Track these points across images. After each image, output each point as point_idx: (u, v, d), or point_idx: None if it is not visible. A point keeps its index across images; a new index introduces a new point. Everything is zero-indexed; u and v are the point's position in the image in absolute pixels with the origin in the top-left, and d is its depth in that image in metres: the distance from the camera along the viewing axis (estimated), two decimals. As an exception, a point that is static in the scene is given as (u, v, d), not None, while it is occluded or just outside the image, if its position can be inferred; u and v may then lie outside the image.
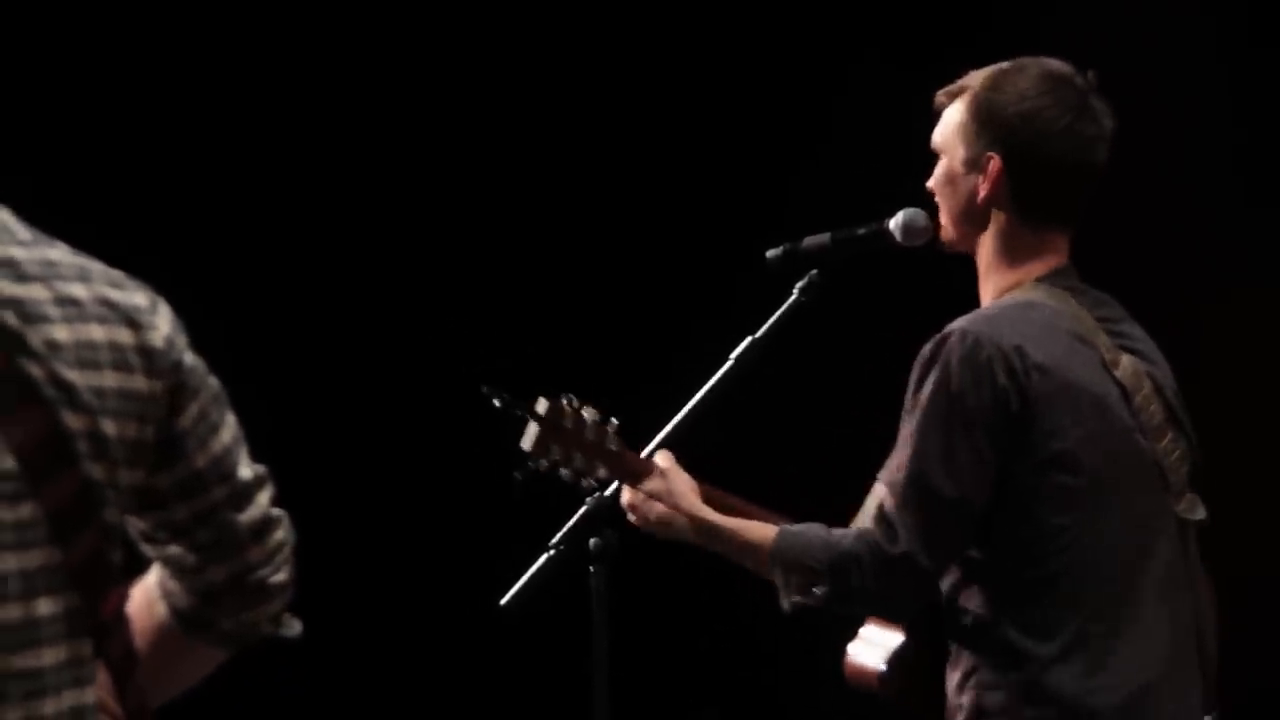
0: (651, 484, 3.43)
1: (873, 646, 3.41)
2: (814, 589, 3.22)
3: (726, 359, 3.59)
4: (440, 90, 5.83)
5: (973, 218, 3.30)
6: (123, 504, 1.96)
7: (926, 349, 3.18)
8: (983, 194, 3.27)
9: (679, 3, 5.86)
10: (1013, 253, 3.28)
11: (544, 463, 3.45)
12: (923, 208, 3.45)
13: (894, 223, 3.51)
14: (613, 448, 3.46)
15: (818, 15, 5.78)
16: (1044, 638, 3.13)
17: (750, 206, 5.64)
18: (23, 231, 1.96)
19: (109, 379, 1.94)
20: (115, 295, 1.97)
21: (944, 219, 3.35)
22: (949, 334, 3.17)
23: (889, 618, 3.39)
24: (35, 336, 1.90)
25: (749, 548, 3.33)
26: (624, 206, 5.84)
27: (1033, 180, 3.25)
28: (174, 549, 2.06)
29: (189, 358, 2.02)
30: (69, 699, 1.91)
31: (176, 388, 2.00)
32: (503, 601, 3.55)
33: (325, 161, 5.75)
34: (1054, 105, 3.24)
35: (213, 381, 2.05)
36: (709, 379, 3.59)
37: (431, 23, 5.80)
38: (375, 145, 5.80)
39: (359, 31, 5.78)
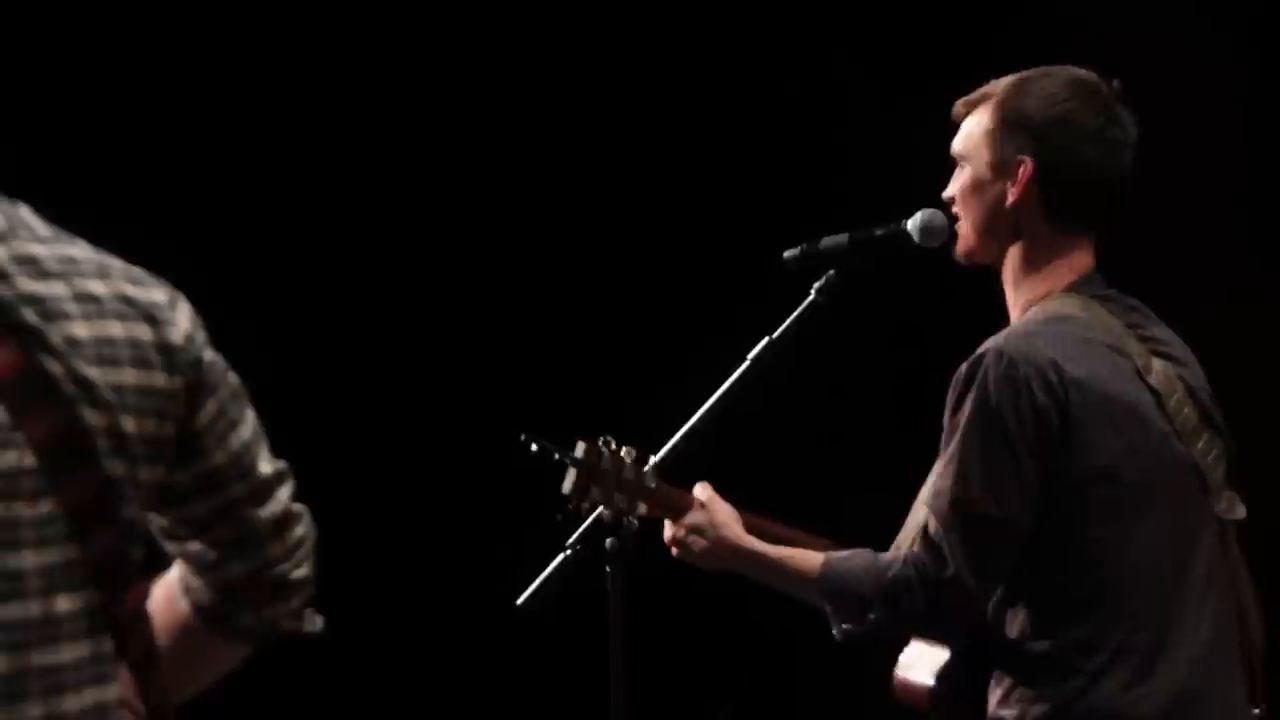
0: (694, 518, 3.43)
1: (921, 663, 3.39)
2: (867, 615, 3.22)
3: (743, 359, 3.59)
4: (463, 98, 5.83)
5: (999, 224, 3.28)
6: (143, 500, 1.96)
7: (963, 369, 3.17)
8: (1012, 198, 3.25)
9: (696, 7, 5.85)
10: (1041, 260, 3.27)
11: (585, 506, 3.46)
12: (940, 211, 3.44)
13: (912, 223, 3.50)
14: (651, 485, 3.46)
15: (840, 16, 5.78)
16: (1089, 652, 3.12)
17: (768, 207, 5.64)
18: (43, 228, 1.96)
19: (128, 376, 1.94)
20: (134, 292, 1.97)
21: (965, 229, 3.32)
22: (984, 353, 3.16)
23: (940, 640, 3.38)
24: (55, 333, 1.90)
25: (797, 578, 3.32)
26: (642, 208, 5.84)
27: (1064, 184, 3.24)
28: (194, 545, 2.07)
29: (208, 354, 2.02)
30: (90, 696, 1.91)
31: (196, 384, 2.00)
32: (519, 601, 3.55)
33: (345, 165, 5.75)
34: (1085, 109, 3.24)
35: (232, 378, 2.05)
36: (726, 379, 3.59)
37: (455, 38, 5.81)
38: (397, 151, 5.81)
39: (393, 45, 5.79)
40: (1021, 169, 3.24)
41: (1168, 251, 5.13)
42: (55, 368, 1.89)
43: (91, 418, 1.90)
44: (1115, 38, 5.19)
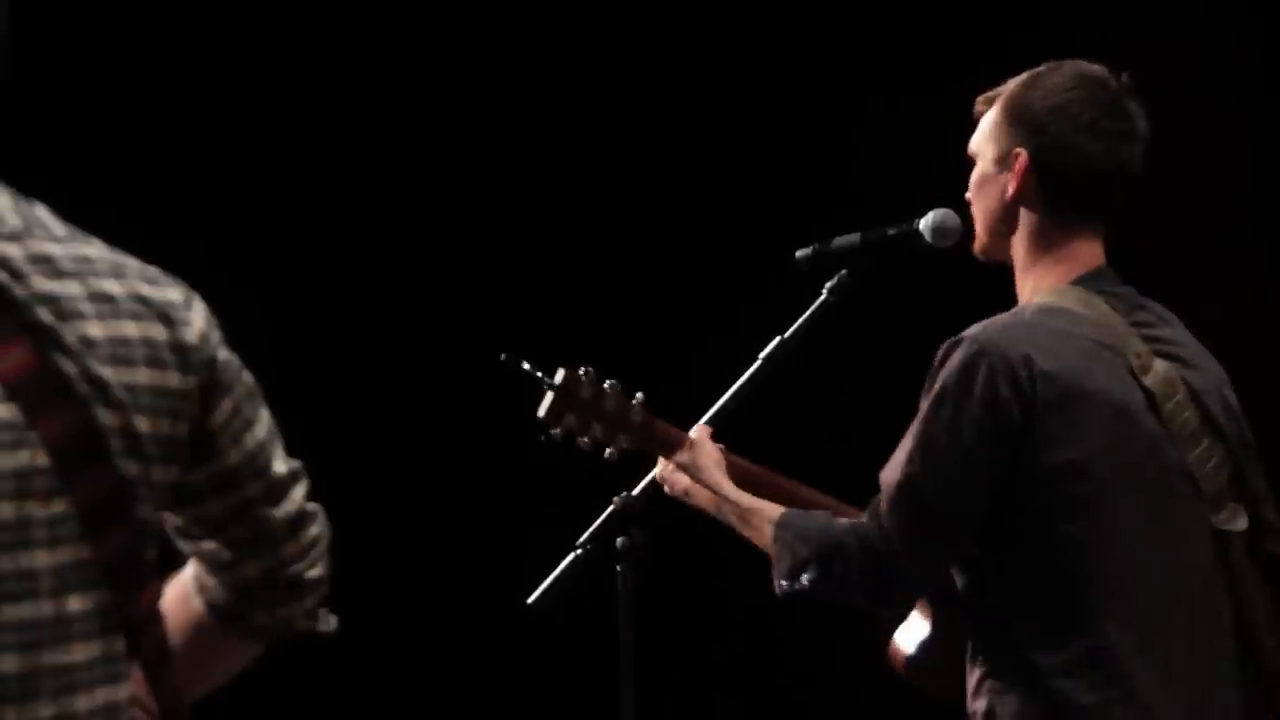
0: (681, 456, 3.48)
1: (911, 633, 3.41)
2: (803, 576, 3.24)
3: (755, 358, 3.59)
4: (478, 90, 5.84)
5: (1002, 217, 3.27)
6: (157, 500, 1.96)
7: (939, 352, 3.18)
8: (1011, 190, 3.25)
9: (709, 5, 5.85)
10: (1045, 253, 3.25)
11: (558, 431, 3.48)
12: (957, 212, 3.44)
13: (924, 223, 3.50)
14: (636, 419, 3.49)
15: (853, 14, 5.77)
16: (1054, 648, 3.09)
17: (781, 206, 5.63)
18: (58, 228, 1.96)
19: (142, 375, 1.93)
20: (149, 291, 1.97)
21: (977, 224, 3.32)
22: (958, 341, 3.16)
23: (876, 611, 3.40)
24: (70, 333, 1.90)
25: (756, 528, 3.35)
26: (655, 207, 5.84)
27: (1059, 175, 3.23)
28: (209, 544, 2.07)
29: (223, 354, 2.02)
30: (102, 695, 1.91)
31: (210, 384, 1.99)
32: (530, 600, 3.55)
33: (363, 161, 5.76)
34: (1081, 101, 3.22)
35: (247, 377, 2.05)
36: (738, 378, 3.59)
37: (468, 28, 5.81)
38: (407, 142, 5.81)
39: (394, 32, 5.79)
40: (1019, 160, 3.23)
41: (1180, 248, 5.13)
42: (69, 367, 1.89)
43: (105, 417, 1.90)
44: (1131, 36, 5.19)
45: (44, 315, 1.89)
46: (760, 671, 6.00)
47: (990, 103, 3.31)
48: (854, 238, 3.58)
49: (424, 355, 5.79)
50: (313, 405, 5.04)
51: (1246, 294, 5.37)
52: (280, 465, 2.07)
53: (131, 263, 1.98)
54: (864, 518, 3.20)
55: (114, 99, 5.45)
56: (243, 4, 5.65)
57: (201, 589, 2.09)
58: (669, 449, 3.50)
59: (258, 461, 2.04)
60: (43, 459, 1.87)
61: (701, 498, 3.46)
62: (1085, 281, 3.23)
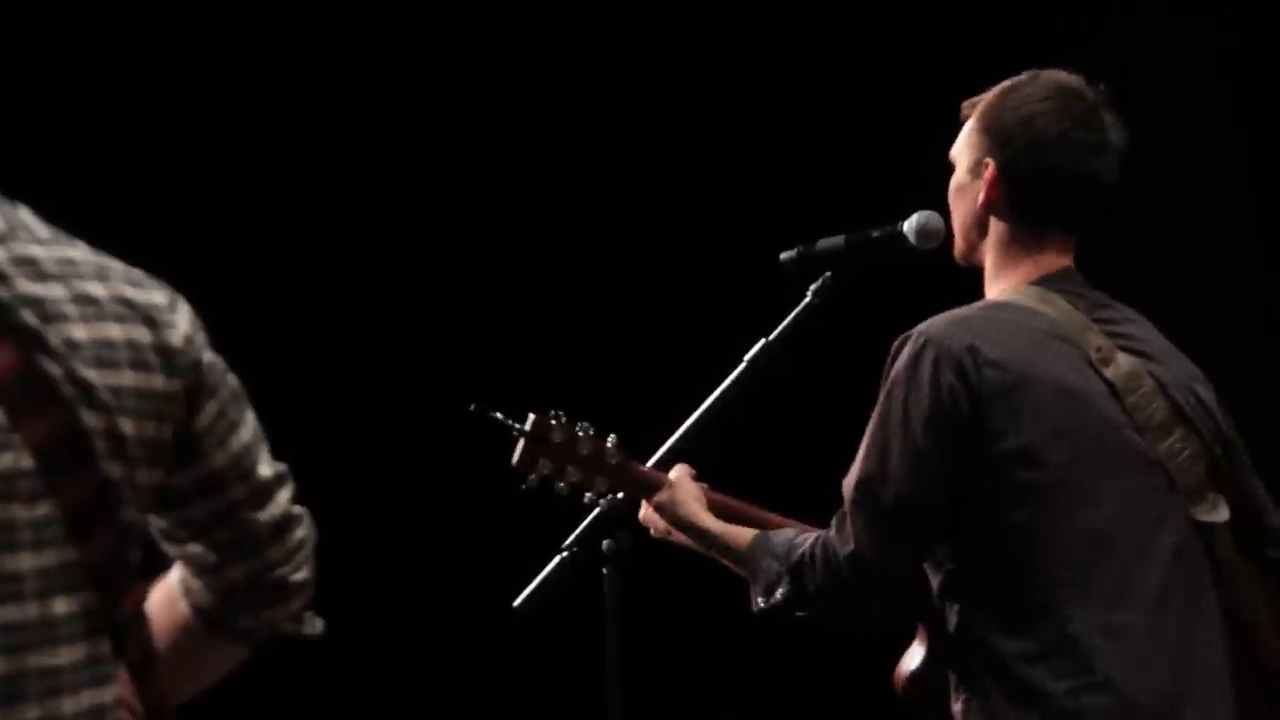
0: (659, 496, 3.49)
1: (911, 655, 3.41)
2: (777, 590, 3.26)
3: (740, 361, 3.60)
4: (454, 100, 5.83)
5: (976, 225, 3.31)
6: (142, 503, 1.96)
7: (891, 351, 3.20)
8: (981, 200, 3.28)
9: (693, 9, 5.85)
10: (1012, 259, 3.28)
11: (534, 478, 3.47)
12: (940, 214, 3.45)
13: (908, 225, 3.51)
14: (613, 461, 3.48)
15: (837, 18, 5.78)
16: (1019, 636, 3.09)
17: (765, 208, 5.64)
18: (42, 230, 1.96)
19: (127, 378, 1.93)
20: (134, 294, 1.97)
21: (955, 230, 3.36)
22: (906, 337, 3.18)
23: (849, 619, 3.41)
24: (54, 335, 1.90)
25: (732, 553, 3.39)
26: (639, 209, 5.85)
27: (1026, 186, 3.25)
28: (194, 547, 2.07)
29: (208, 356, 2.02)
30: (87, 698, 1.91)
31: (195, 386, 1.99)
32: (516, 603, 3.55)
33: (347, 170, 5.76)
34: (1053, 113, 3.24)
35: (232, 380, 2.05)
36: (723, 381, 3.59)
37: (453, 34, 5.81)
38: (390, 152, 5.81)
39: (386, 43, 5.79)
40: (988, 171, 3.26)
41: (1172, 252, 5.14)
42: (54, 369, 1.89)
43: (90, 420, 1.90)
44: (1118, 41, 5.20)
45: (28, 318, 1.89)
46: (749, 675, 6.00)
47: (973, 107, 3.32)
48: (838, 240, 3.59)
49: (409, 358, 5.79)
50: (299, 408, 5.03)
51: (1240, 297, 5.38)
52: (265, 468, 2.07)
53: (116, 265, 1.98)
54: (830, 528, 3.21)
55: (97, 103, 5.44)
56: (221, 8, 5.64)
57: (187, 592, 2.09)
58: (648, 491, 3.49)
59: (243, 464, 2.04)
60: (27, 461, 1.87)
61: (682, 536, 3.47)
62: (1045, 282, 3.25)
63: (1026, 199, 3.26)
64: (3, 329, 1.87)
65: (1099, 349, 3.19)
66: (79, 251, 1.96)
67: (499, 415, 3.47)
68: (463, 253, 5.84)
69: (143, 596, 1.99)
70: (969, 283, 3.43)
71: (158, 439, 1.96)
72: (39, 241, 1.94)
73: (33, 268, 1.91)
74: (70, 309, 1.91)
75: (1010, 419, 3.10)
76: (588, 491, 3.51)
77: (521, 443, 3.48)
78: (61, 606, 1.89)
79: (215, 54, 5.61)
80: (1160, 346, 3.29)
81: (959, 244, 3.35)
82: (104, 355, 1.92)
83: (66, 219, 2.00)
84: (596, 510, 3.55)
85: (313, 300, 5.72)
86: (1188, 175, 5.22)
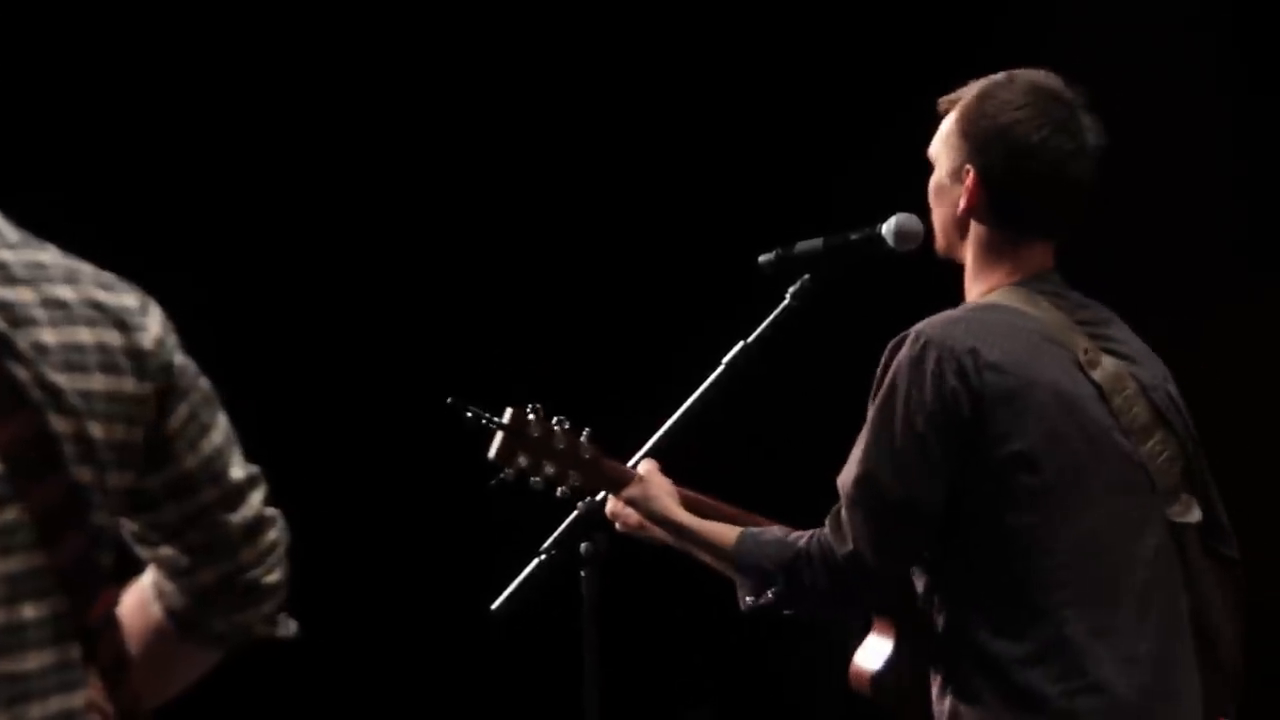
0: (629, 491, 3.48)
1: (873, 652, 3.42)
2: (769, 590, 3.26)
3: (718, 363, 3.60)
4: (438, 98, 5.83)
5: (956, 226, 3.32)
6: (113, 506, 1.96)
7: (885, 352, 3.20)
8: (962, 205, 3.29)
9: (678, 10, 5.85)
10: (992, 261, 3.29)
11: (510, 471, 3.48)
12: (919, 216, 3.45)
13: (886, 227, 3.51)
14: (586, 456, 3.49)
15: (818, 21, 5.78)
16: (1014, 639, 3.11)
17: (744, 211, 5.64)
18: (11, 233, 1.95)
19: (97, 381, 1.93)
20: (104, 297, 1.96)
21: (935, 229, 3.37)
22: (904, 337, 3.19)
23: (843, 617, 3.41)
24: (22, 339, 1.89)
25: (715, 550, 3.37)
26: (619, 212, 5.84)
27: (1007, 193, 3.26)
28: (166, 550, 2.06)
29: (179, 359, 2.01)
30: (56, 703, 1.90)
31: (166, 389, 1.99)
32: (494, 606, 3.55)
33: (323, 167, 5.75)
34: (1032, 119, 3.24)
35: (203, 383, 2.05)
36: (701, 383, 3.59)
37: (445, 33, 5.81)
38: (372, 152, 5.80)
39: (364, 40, 5.78)
40: (969, 176, 3.26)
41: (1159, 253, 5.14)
42: (21, 374, 1.88)
43: (58, 424, 1.89)
44: (1109, 40, 5.20)
45: (-5, 322, 1.88)
46: (727, 675, 6.00)
47: (952, 105, 3.32)
48: (816, 242, 3.59)
49: (387, 358, 5.78)
50: (272, 410, 5.02)
51: (1226, 298, 5.38)
52: (237, 471, 2.07)
53: (86, 269, 1.97)
54: (825, 526, 3.21)
55: (70, 104, 5.43)
56: (204, 11, 5.63)
57: (159, 595, 2.08)
58: (617, 486, 3.49)
59: (214, 467, 2.04)
60: (-5, 466, 1.86)
61: (656, 531, 3.47)
62: (1029, 283, 3.27)
63: (1006, 204, 3.26)
64: (-31, 334, 1.87)
65: (1085, 351, 3.21)
66: (49, 255, 1.96)
67: (475, 409, 3.47)
68: (442, 252, 5.83)
69: (114, 601, 1.98)
70: (947, 285, 3.43)
71: (128, 442, 1.95)
72: (8, 245, 1.93)
73: (1, 272, 1.90)
74: (39, 313, 1.91)
75: (1010, 423, 3.12)
76: (561, 486, 3.51)
77: (499, 436, 3.48)
78: (30, 611, 1.88)
79: (194, 51, 5.60)
80: (1137, 348, 3.31)
81: (939, 241, 3.36)
82: (73, 359, 1.91)
83: (37, 222, 2.00)
84: (575, 513, 3.55)
85: (284, 302, 5.71)
86: (1168, 174, 5.22)
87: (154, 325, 1.99)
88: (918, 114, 3.38)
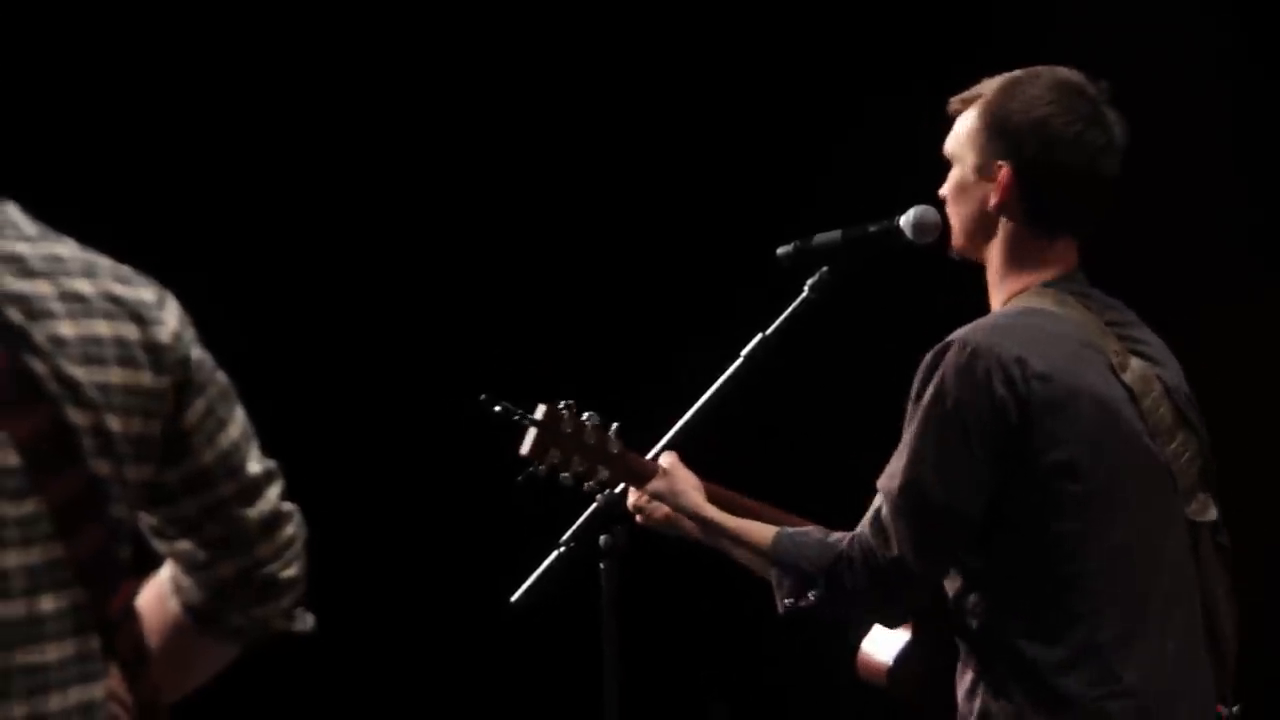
0: (655, 484, 3.48)
1: (884, 643, 3.42)
2: (809, 592, 3.25)
3: (737, 355, 3.60)
4: (449, 94, 5.83)
5: (983, 225, 3.29)
6: (131, 499, 1.96)
7: (927, 358, 3.19)
8: (993, 202, 3.26)
9: (689, 5, 5.85)
10: (1021, 260, 3.28)
11: (543, 467, 3.49)
12: (936, 208, 3.44)
13: (905, 220, 3.51)
14: (614, 450, 3.50)
15: (829, 13, 5.78)
16: (1051, 644, 3.12)
17: (763, 203, 5.63)
18: (29, 227, 1.96)
19: (114, 375, 1.93)
20: (122, 290, 1.96)
21: (954, 227, 3.34)
22: (949, 344, 3.18)
23: (882, 622, 3.43)
24: (40, 332, 1.89)
25: (749, 548, 3.36)
26: (636, 204, 5.84)
27: (1042, 189, 3.25)
28: (184, 544, 2.06)
29: (196, 353, 2.02)
30: (75, 695, 1.91)
31: (183, 383, 1.99)
32: (513, 598, 3.55)
33: (344, 164, 5.75)
34: (1065, 114, 3.23)
35: (221, 377, 2.05)
36: (720, 375, 3.59)
37: (449, 31, 5.81)
38: (392, 148, 5.80)
39: (386, 39, 5.78)
40: (1002, 172, 3.25)
41: (1164, 252, 5.13)
42: (39, 367, 1.89)
43: (76, 417, 1.90)
44: (1111, 35, 5.19)
45: (13, 315, 1.89)
46: (746, 668, 6.00)
47: (966, 103, 3.31)
48: (835, 235, 3.59)
49: (403, 351, 5.78)
50: (289, 404, 5.03)
51: (1235, 296, 5.38)
52: (255, 465, 2.07)
53: (104, 262, 1.98)
54: (863, 527, 3.20)
55: (85, 100, 5.43)
56: (206, 9, 5.64)
57: (177, 589, 2.09)
58: (643, 480, 3.49)
59: (231, 461, 2.04)
60: (13, 459, 1.87)
61: (684, 524, 3.46)
62: (1057, 284, 3.26)
63: (1040, 201, 3.25)
64: (-12, 327, 1.87)
65: (1116, 353, 3.21)
66: (66, 248, 1.96)
67: (508, 405, 3.48)
68: (458, 248, 5.83)
69: (133, 593, 1.98)
70: (966, 278, 3.42)
71: (145, 435, 1.95)
72: (25, 238, 1.94)
73: (19, 265, 1.91)
74: (57, 306, 1.91)
75: (1055, 432, 3.12)
76: (589, 481, 3.52)
77: (533, 432, 3.50)
78: (49, 603, 1.89)
79: (204, 49, 5.61)
80: (1158, 348, 3.31)
81: (959, 240, 3.33)
82: (91, 352, 1.92)
83: (54, 216, 2.00)
84: (594, 505, 3.55)
85: (303, 296, 5.71)
86: (1167, 174, 5.21)
87: (171, 319, 2.00)
88: (938, 106, 3.37)
